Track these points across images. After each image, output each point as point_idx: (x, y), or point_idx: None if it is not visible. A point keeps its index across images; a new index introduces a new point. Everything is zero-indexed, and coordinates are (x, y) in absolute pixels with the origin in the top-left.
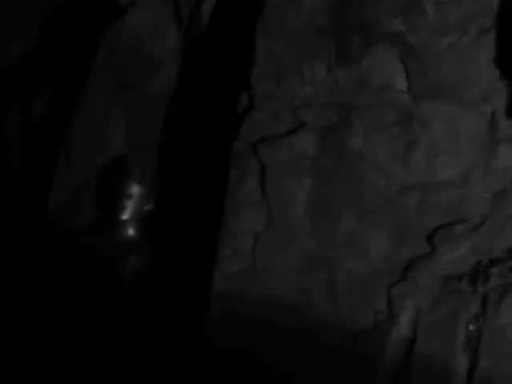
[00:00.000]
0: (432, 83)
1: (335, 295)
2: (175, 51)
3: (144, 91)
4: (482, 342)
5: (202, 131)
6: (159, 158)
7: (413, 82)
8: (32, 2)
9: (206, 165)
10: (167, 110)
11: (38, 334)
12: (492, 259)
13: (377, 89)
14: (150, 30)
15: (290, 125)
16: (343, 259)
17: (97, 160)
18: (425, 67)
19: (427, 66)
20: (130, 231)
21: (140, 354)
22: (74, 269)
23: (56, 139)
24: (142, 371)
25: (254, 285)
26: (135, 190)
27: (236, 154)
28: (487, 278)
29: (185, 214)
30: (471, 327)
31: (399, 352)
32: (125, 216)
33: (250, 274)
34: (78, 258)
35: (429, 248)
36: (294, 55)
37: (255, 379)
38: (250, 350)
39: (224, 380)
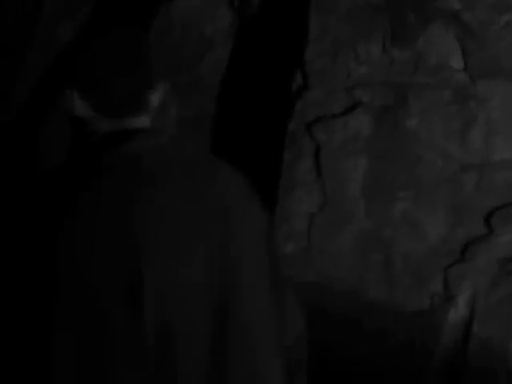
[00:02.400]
0: (489, 62)
1: (391, 276)
2: (227, 32)
3: (196, 72)
4: None
5: (255, 111)
6: (212, 139)
7: (470, 60)
8: None
9: (259, 145)
10: (220, 91)
11: None
12: None
13: (433, 68)
14: (201, 11)
15: (344, 104)
16: (399, 240)
17: None
18: (482, 45)
19: (484, 44)
20: None
21: None
22: None
23: None
24: None
25: (310, 265)
26: None
27: (290, 133)
28: None
29: None
30: None
31: (456, 334)
32: None
33: (305, 254)
34: None
35: (486, 229)
36: (349, 33)
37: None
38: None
39: None
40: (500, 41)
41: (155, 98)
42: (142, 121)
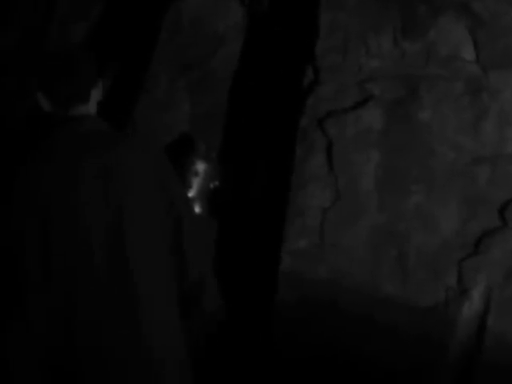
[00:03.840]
0: (501, 53)
1: (405, 270)
2: (238, 27)
3: (208, 68)
4: None
5: (266, 107)
6: (224, 135)
7: (481, 51)
8: None
9: (271, 140)
10: (231, 87)
11: None
12: None
13: (445, 59)
14: (212, 6)
15: (356, 98)
16: (413, 233)
17: (162, 138)
18: (493, 37)
19: (496, 35)
20: (197, 209)
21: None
22: None
23: (121, 118)
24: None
25: (322, 261)
26: (201, 167)
27: (302, 128)
28: None
29: (251, 191)
30: None
31: (471, 328)
32: (191, 194)
33: (318, 249)
34: None
35: (500, 221)
36: (359, 27)
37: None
38: (315, 333)
39: (290, 359)
40: (511, 31)
41: (96, 92)
42: (82, 110)
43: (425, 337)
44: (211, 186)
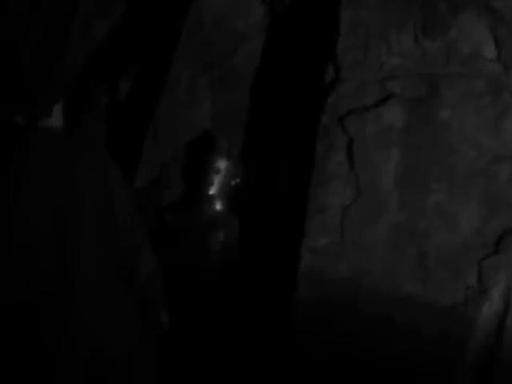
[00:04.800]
0: None
1: (425, 269)
2: (259, 25)
3: (229, 66)
4: None
5: (288, 104)
6: (246, 133)
7: (503, 50)
8: None
9: (292, 138)
10: (253, 85)
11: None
12: None
13: (466, 58)
14: (233, 5)
15: (377, 96)
16: (433, 232)
17: (184, 136)
18: None
19: None
20: (218, 206)
21: (224, 332)
22: (163, 244)
23: (143, 116)
24: (225, 350)
25: (343, 259)
26: (222, 164)
27: (323, 126)
28: None
29: (272, 188)
30: None
31: (491, 328)
32: (212, 191)
33: (338, 247)
34: (166, 234)
35: None
36: (380, 25)
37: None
38: (335, 332)
39: (309, 358)
40: None
41: (58, 107)
42: (47, 122)
43: (444, 336)
44: (232, 183)
